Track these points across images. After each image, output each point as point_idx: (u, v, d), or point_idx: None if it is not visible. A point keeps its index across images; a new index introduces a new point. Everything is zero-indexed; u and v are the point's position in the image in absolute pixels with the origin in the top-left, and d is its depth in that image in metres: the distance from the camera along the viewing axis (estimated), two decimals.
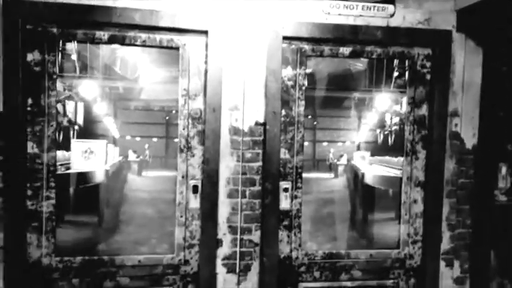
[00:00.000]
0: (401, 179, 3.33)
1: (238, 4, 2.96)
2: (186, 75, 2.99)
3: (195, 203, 3.00)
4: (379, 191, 8.12)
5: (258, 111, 3.04)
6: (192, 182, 3.00)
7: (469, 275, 3.30)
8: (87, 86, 9.12)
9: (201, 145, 3.01)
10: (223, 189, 3.01)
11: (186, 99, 3.00)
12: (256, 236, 3.05)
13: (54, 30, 2.81)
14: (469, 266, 3.29)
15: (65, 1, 2.76)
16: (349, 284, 3.19)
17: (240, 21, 2.98)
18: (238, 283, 3.04)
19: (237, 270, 3.04)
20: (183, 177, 3.01)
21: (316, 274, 3.16)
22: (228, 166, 3.01)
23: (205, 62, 2.98)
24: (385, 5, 3.09)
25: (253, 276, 3.06)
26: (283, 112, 3.09)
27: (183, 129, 3.01)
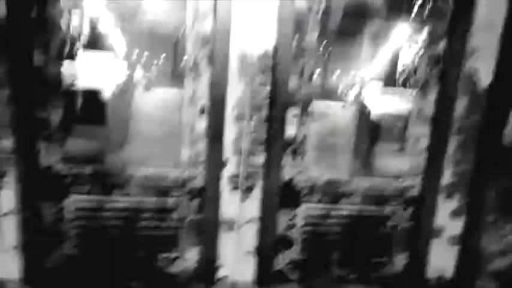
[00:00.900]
0: (410, 112, 3.30)
1: None
2: None
3: (202, 123, 3.02)
4: (387, 122, 8.08)
5: (269, 37, 2.92)
6: (199, 103, 3.00)
7: (466, 209, 3.40)
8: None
9: (210, 67, 2.94)
10: (230, 112, 3.01)
11: (194, 20, 2.88)
12: (261, 159, 3.11)
13: None
14: (467, 199, 3.38)
15: None
16: (349, 207, 3.30)
17: None
18: (242, 200, 3.16)
19: (242, 190, 3.14)
20: (190, 97, 3.00)
21: (317, 197, 3.26)
22: (236, 89, 2.98)
23: None
24: None
25: (256, 195, 3.16)
26: (296, 38, 2.98)
27: (192, 50, 2.93)
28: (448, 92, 3.15)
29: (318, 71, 3.16)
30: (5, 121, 2.77)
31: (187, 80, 2.98)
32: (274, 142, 3.05)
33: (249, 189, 3.15)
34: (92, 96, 6.69)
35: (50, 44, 2.77)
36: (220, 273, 3.23)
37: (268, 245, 3.22)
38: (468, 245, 3.40)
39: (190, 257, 3.21)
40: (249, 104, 3.02)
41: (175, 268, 3.22)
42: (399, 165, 3.40)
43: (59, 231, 3.02)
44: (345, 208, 3.31)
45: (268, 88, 3.00)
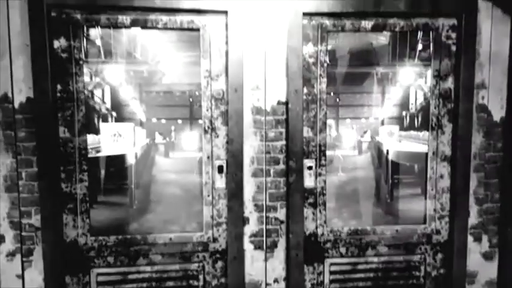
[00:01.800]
0: (427, 154, 3.30)
1: None
2: (208, 56, 3.01)
3: (221, 182, 3.07)
4: (404, 166, 8.04)
5: (280, 90, 3.04)
6: (217, 162, 3.06)
7: (498, 250, 3.28)
8: (112, 70, 9.33)
9: (225, 125, 3.05)
10: (247, 169, 3.06)
11: (208, 81, 3.03)
12: (281, 214, 3.11)
13: (78, 16, 2.87)
14: (498, 240, 3.27)
15: None
16: (375, 259, 3.22)
17: (259, 0, 2.96)
18: (266, 259, 3.13)
19: (264, 247, 3.12)
20: (208, 157, 3.08)
21: (342, 250, 3.20)
22: (251, 145, 3.05)
23: (226, 43, 2.99)
24: None
25: (279, 252, 3.13)
26: (305, 90, 3.09)
27: (207, 110, 3.05)
28: (462, 129, 3.15)
29: (328, 121, 3.21)
30: (33, 198, 2.87)
31: (204, 140, 3.07)
32: (294, 195, 3.06)
33: (272, 247, 3.12)
34: (115, 163, 6.93)
35: (74, 118, 2.92)
36: None
37: None
38: None
39: None
40: (266, 159, 3.07)
41: None
42: (423, 209, 3.34)
43: None
44: (372, 260, 3.22)
45: (283, 141, 3.06)
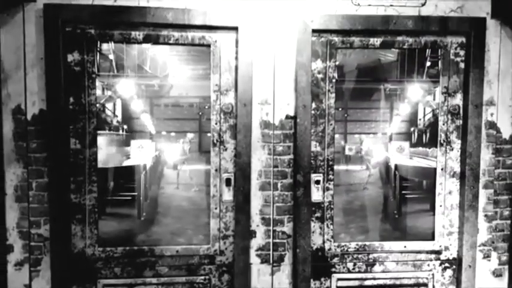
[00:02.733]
0: (435, 170, 3.29)
1: (267, 0, 3.00)
2: (218, 71, 3.06)
3: (228, 195, 3.08)
4: (413, 182, 7.98)
5: (289, 105, 3.07)
6: (225, 175, 3.08)
7: (508, 267, 3.23)
8: (124, 84, 9.52)
9: (233, 139, 3.08)
10: (255, 182, 3.08)
11: (217, 95, 3.08)
12: (288, 228, 3.10)
13: (92, 31, 2.94)
14: (508, 257, 3.23)
15: (101, 3, 2.88)
16: (383, 275, 3.19)
17: (269, 17, 3.02)
18: (272, 273, 3.12)
19: (271, 261, 3.11)
20: (216, 170, 3.10)
21: (350, 265, 3.18)
22: (259, 159, 3.07)
23: (236, 58, 3.04)
24: None
25: (286, 266, 3.12)
26: (314, 105, 3.11)
27: (216, 124, 3.09)
28: (471, 146, 3.14)
29: (336, 135, 3.23)
30: (43, 208, 2.90)
31: (213, 153, 3.10)
32: (301, 209, 3.06)
33: (278, 261, 3.11)
34: (124, 175, 7.04)
35: (85, 130, 2.97)
36: None
37: None
38: None
39: None
40: (273, 172, 3.09)
41: None
42: (431, 225, 3.32)
43: None
44: (379, 276, 3.19)
45: (291, 155, 3.08)
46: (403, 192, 7.74)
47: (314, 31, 3.04)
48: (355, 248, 3.18)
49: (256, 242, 3.10)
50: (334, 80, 3.14)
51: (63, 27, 2.89)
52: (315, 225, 3.15)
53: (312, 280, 3.15)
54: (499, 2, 3.05)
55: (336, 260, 3.18)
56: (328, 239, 3.17)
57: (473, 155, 3.14)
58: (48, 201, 2.90)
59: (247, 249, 3.07)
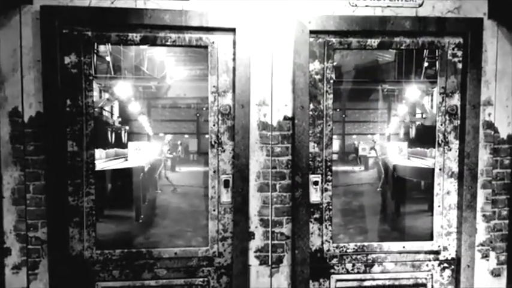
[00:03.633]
0: (433, 170, 3.29)
1: (264, 1, 3.00)
2: (215, 72, 3.06)
3: (226, 197, 3.08)
4: (411, 182, 7.99)
5: (286, 106, 3.07)
6: (223, 177, 3.08)
7: (507, 267, 3.24)
8: (121, 86, 9.51)
9: (231, 140, 3.07)
10: (253, 183, 3.07)
11: (215, 96, 3.07)
12: (287, 229, 3.10)
13: (89, 33, 2.93)
14: (507, 257, 3.23)
15: (98, 5, 2.88)
16: (381, 276, 3.19)
17: (267, 18, 3.02)
18: (271, 275, 3.11)
19: (270, 262, 3.10)
20: (214, 172, 3.09)
21: (348, 266, 3.18)
22: (258, 161, 3.07)
23: (233, 59, 3.04)
24: None
25: (285, 268, 3.11)
26: (312, 106, 3.11)
27: (214, 125, 3.08)
28: (469, 146, 3.14)
29: (334, 136, 3.23)
30: (40, 211, 2.89)
31: (211, 154, 3.09)
32: (299, 210, 3.06)
33: (277, 262, 3.11)
34: (121, 177, 7.03)
35: (82, 132, 2.96)
36: None
37: None
38: None
39: None
40: (272, 174, 3.08)
41: None
42: (429, 225, 3.32)
43: None
44: (378, 276, 3.19)
45: (289, 156, 3.08)
46: (401, 192, 7.75)
47: (311, 32, 3.04)
48: (353, 248, 3.18)
49: (254, 244, 3.09)
50: (332, 81, 3.14)
51: (60, 29, 2.88)
52: (313, 227, 3.15)
53: (310, 281, 3.14)
54: (496, 2, 3.05)
55: (334, 261, 3.17)
56: (326, 240, 3.16)
57: (471, 155, 3.14)
58: (45, 204, 2.88)
59: (246, 251, 3.07)
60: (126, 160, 8.74)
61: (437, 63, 3.25)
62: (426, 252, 3.23)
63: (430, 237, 3.27)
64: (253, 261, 3.09)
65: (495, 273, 3.24)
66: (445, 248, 3.24)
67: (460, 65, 3.17)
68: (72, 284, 2.98)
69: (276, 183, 3.09)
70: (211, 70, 3.06)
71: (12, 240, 2.90)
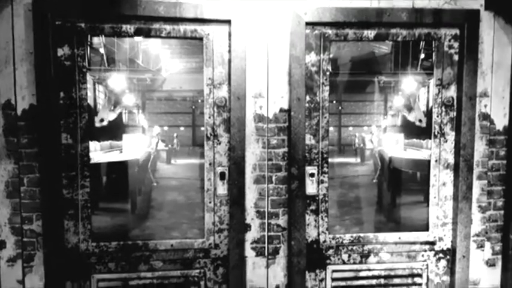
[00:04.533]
0: (429, 161, 3.30)
1: None
2: (210, 64, 3.04)
3: (222, 189, 3.07)
4: (407, 174, 8.03)
5: (282, 98, 3.06)
6: (219, 169, 3.07)
7: (501, 257, 3.26)
8: (115, 78, 9.43)
9: (227, 133, 3.06)
10: (249, 176, 3.07)
11: (211, 88, 3.05)
12: (283, 221, 3.10)
13: (82, 25, 2.90)
14: (502, 247, 3.25)
15: None
16: (377, 266, 3.21)
17: (262, 9, 2.99)
18: (267, 266, 3.12)
19: (266, 254, 3.11)
20: (210, 164, 3.08)
21: (345, 257, 3.19)
22: (254, 153, 3.06)
23: (229, 51, 3.01)
24: None
25: (281, 259, 3.12)
26: (308, 98, 3.10)
27: (209, 117, 3.07)
28: (465, 137, 3.15)
29: (331, 128, 3.23)
30: (35, 204, 2.87)
31: (206, 147, 3.08)
32: (296, 202, 3.06)
33: (273, 254, 3.12)
34: (116, 170, 7.02)
35: (77, 125, 2.94)
36: None
37: None
38: None
39: None
40: (268, 166, 3.08)
41: None
42: (425, 216, 3.33)
43: None
44: (374, 267, 3.21)
45: (285, 148, 3.07)
46: (397, 183, 7.79)
47: (307, 24, 3.02)
48: (349, 239, 3.19)
49: (251, 235, 3.09)
50: (328, 73, 3.12)
51: (53, 21, 2.84)
52: (309, 218, 3.15)
53: (307, 272, 3.16)
54: None
55: (330, 251, 3.18)
56: (323, 231, 3.17)
57: (467, 147, 3.14)
58: (40, 197, 2.87)
59: (242, 243, 3.07)
60: (121, 152, 8.71)
61: (433, 54, 3.24)
62: (422, 243, 3.25)
63: (425, 228, 3.28)
64: (249, 252, 3.10)
65: (490, 263, 3.27)
66: (440, 239, 3.26)
67: (456, 57, 3.16)
68: (67, 277, 2.98)
69: (272, 175, 3.08)
70: (206, 62, 3.03)
71: (7, 233, 2.89)
